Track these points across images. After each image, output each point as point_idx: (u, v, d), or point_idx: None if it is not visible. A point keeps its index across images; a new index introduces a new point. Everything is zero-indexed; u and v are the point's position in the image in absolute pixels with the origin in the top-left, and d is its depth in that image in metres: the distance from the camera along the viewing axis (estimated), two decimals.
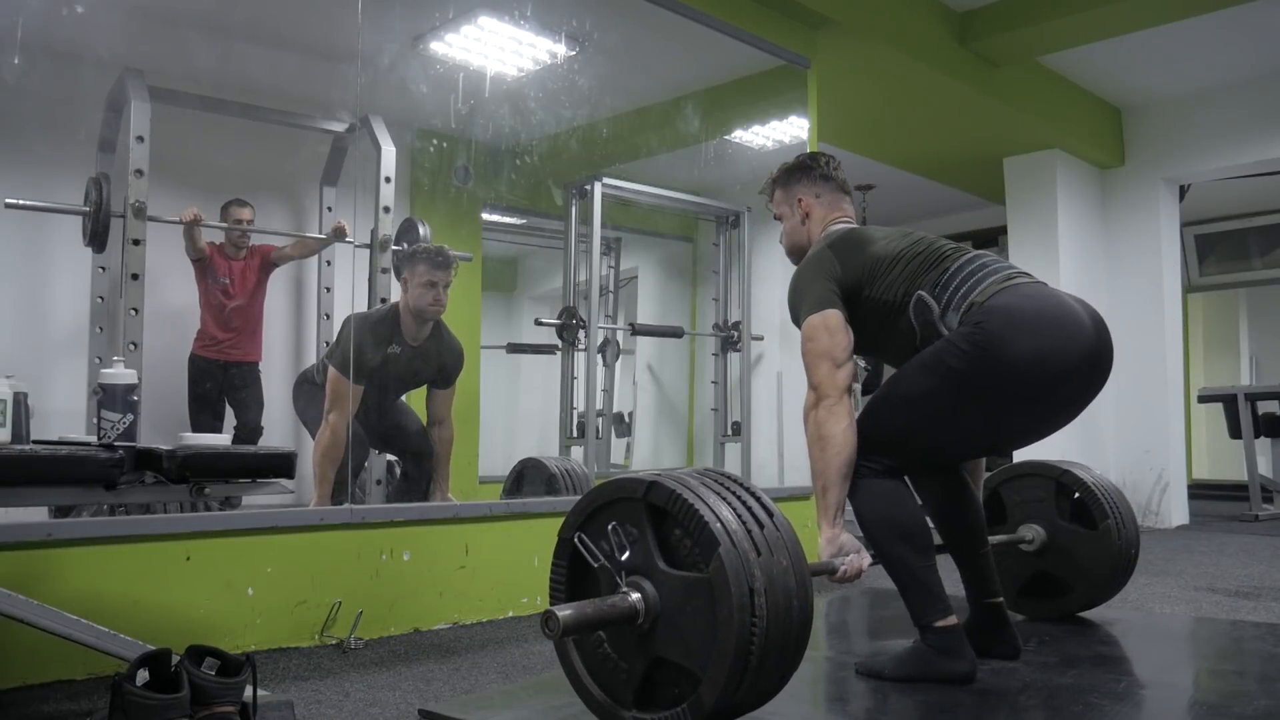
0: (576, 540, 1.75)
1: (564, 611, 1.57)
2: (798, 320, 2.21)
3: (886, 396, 2.15)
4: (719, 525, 1.57)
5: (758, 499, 1.67)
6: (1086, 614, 3.08)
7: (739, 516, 1.61)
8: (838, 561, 2.08)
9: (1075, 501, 2.77)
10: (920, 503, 2.27)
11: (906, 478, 2.21)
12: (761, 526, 1.62)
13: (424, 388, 3.68)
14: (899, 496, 2.11)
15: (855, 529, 2.16)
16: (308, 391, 3.71)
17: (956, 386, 2.02)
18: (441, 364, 3.59)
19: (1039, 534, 2.78)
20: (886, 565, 2.12)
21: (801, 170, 2.43)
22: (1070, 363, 2.00)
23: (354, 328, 3.41)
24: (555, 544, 1.81)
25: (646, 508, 1.66)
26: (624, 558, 1.68)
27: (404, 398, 3.72)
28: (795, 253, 2.43)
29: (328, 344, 4.05)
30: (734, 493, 1.66)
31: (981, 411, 2.05)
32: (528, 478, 4.00)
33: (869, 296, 2.17)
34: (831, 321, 2.14)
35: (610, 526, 1.70)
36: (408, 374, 3.57)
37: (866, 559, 2.08)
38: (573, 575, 1.79)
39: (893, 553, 2.10)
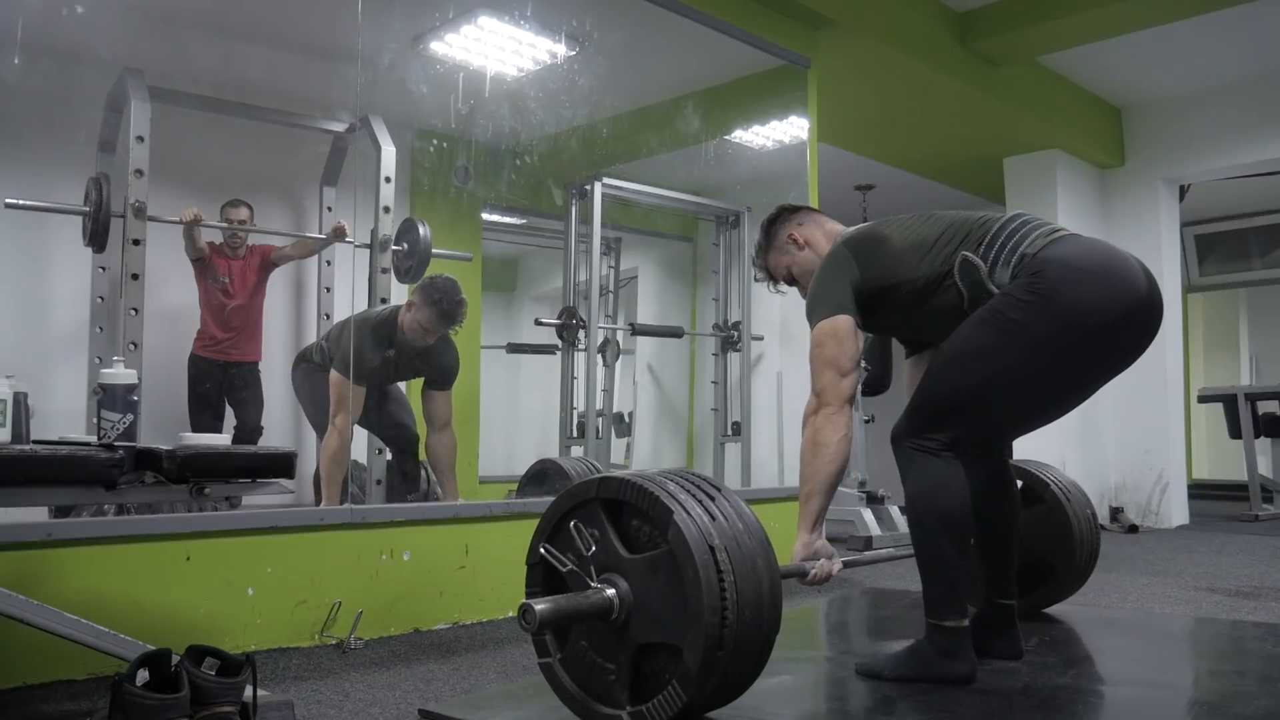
0: (543, 550, 1.80)
1: (540, 605, 1.61)
2: (812, 322, 2.20)
3: (944, 363, 2.08)
4: (669, 497, 1.62)
5: (703, 478, 1.73)
6: (1086, 614, 3.08)
7: (687, 489, 1.66)
8: (808, 565, 2.11)
9: (1022, 488, 2.78)
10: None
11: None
12: (712, 499, 1.67)
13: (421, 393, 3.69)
14: (952, 483, 2.05)
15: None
16: (304, 369, 3.76)
17: (1018, 338, 1.98)
18: (439, 364, 3.61)
19: None
20: (919, 550, 2.09)
21: (771, 224, 2.45)
22: (1127, 308, 1.98)
23: (354, 328, 3.41)
24: (525, 573, 1.85)
25: (602, 504, 1.72)
26: (590, 553, 1.72)
27: (403, 388, 3.72)
28: (807, 278, 2.39)
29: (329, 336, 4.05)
30: (681, 474, 1.72)
31: (1042, 363, 1.99)
32: (550, 477, 3.99)
33: (904, 283, 2.13)
34: (841, 328, 2.13)
35: (573, 529, 1.75)
36: (406, 372, 3.62)
37: (838, 564, 2.12)
38: (548, 585, 1.82)
39: (930, 540, 2.06)
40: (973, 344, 2.04)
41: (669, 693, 1.61)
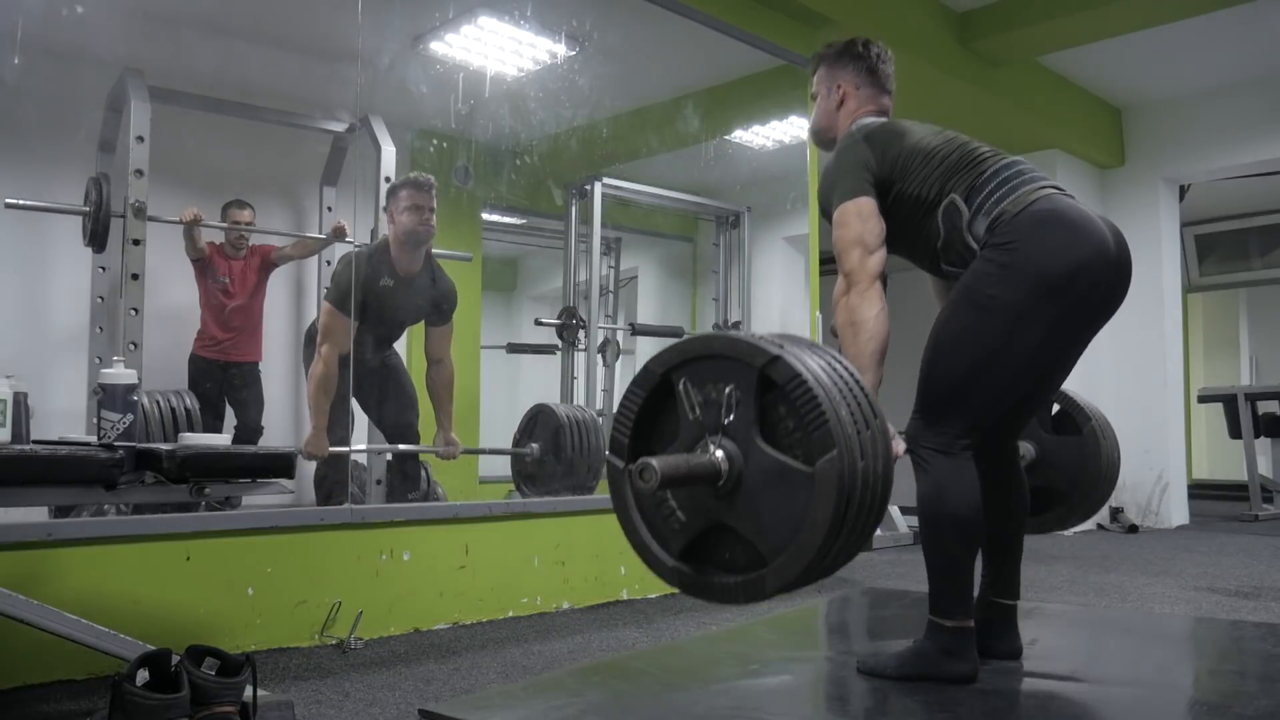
0: (681, 385, 1.69)
1: (662, 463, 1.55)
2: (829, 209, 2.18)
3: (934, 351, 2.10)
4: (838, 427, 1.53)
5: (869, 399, 1.63)
6: (1086, 614, 3.08)
7: (854, 418, 1.56)
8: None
9: (1057, 414, 2.77)
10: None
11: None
12: (868, 427, 1.58)
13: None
14: (964, 484, 2.05)
15: None
16: (312, 349, 3.74)
17: (1000, 313, 2.01)
18: (435, 297, 3.57)
19: (1029, 451, 2.79)
20: (928, 549, 2.08)
21: (850, 56, 2.40)
22: (1099, 268, 2.03)
23: (352, 261, 3.43)
24: (638, 372, 1.75)
25: (761, 379, 1.60)
26: (722, 415, 1.63)
27: (411, 390, 3.71)
28: (820, 136, 2.42)
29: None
30: (851, 390, 1.61)
31: (1027, 333, 2.02)
32: (539, 424, 4.00)
33: (901, 191, 2.15)
34: (864, 208, 2.13)
35: (715, 383, 1.65)
36: (402, 309, 3.53)
37: (901, 446, 2.05)
38: (645, 412, 1.74)
39: (941, 540, 2.06)
40: (958, 326, 2.06)
41: (726, 584, 1.60)
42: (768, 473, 1.60)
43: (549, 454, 3.91)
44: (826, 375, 1.60)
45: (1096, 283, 2.04)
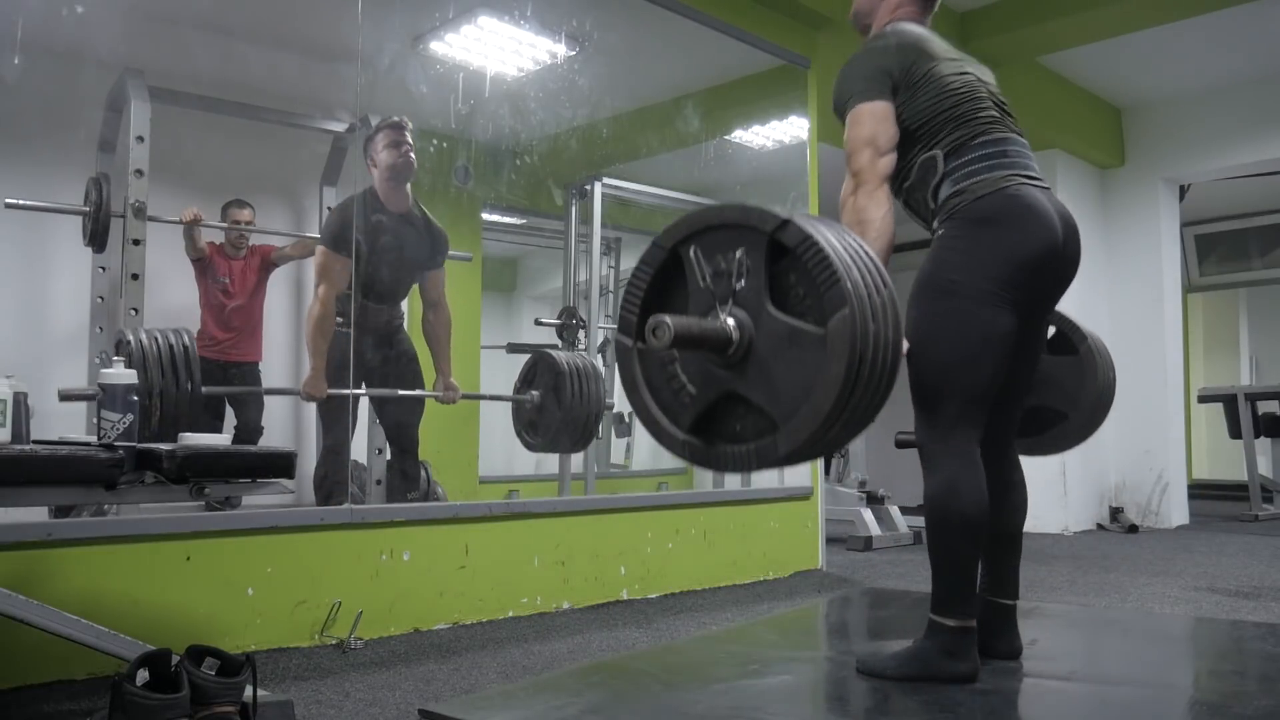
0: (690, 254, 1.67)
1: (675, 320, 1.53)
2: (843, 108, 2.18)
3: (913, 351, 2.11)
4: (849, 285, 1.52)
5: (877, 265, 1.62)
6: (1086, 614, 3.08)
7: (865, 281, 1.55)
8: None
9: (1054, 335, 2.77)
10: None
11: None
12: (879, 292, 1.57)
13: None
14: (972, 482, 2.06)
15: None
16: None
17: (963, 296, 2.05)
18: (426, 239, 3.60)
19: None
20: (934, 548, 2.09)
21: None
22: (1045, 259, 2.10)
23: (339, 208, 3.50)
24: (646, 249, 1.73)
25: (770, 244, 1.60)
26: (732, 282, 1.62)
27: (409, 377, 3.69)
28: (858, 19, 2.40)
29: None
30: (863, 257, 1.60)
31: (991, 309, 2.05)
32: (540, 372, 3.99)
33: (901, 110, 2.16)
34: (880, 111, 2.13)
35: (726, 250, 1.63)
36: (396, 246, 3.54)
37: (904, 345, 2.08)
38: (654, 287, 1.73)
39: (947, 539, 2.06)
40: (930, 314, 2.09)
41: (738, 452, 1.59)
42: (779, 338, 1.59)
43: (550, 401, 3.90)
44: (839, 241, 1.60)
45: (1041, 273, 2.11)
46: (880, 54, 2.20)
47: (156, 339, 2.67)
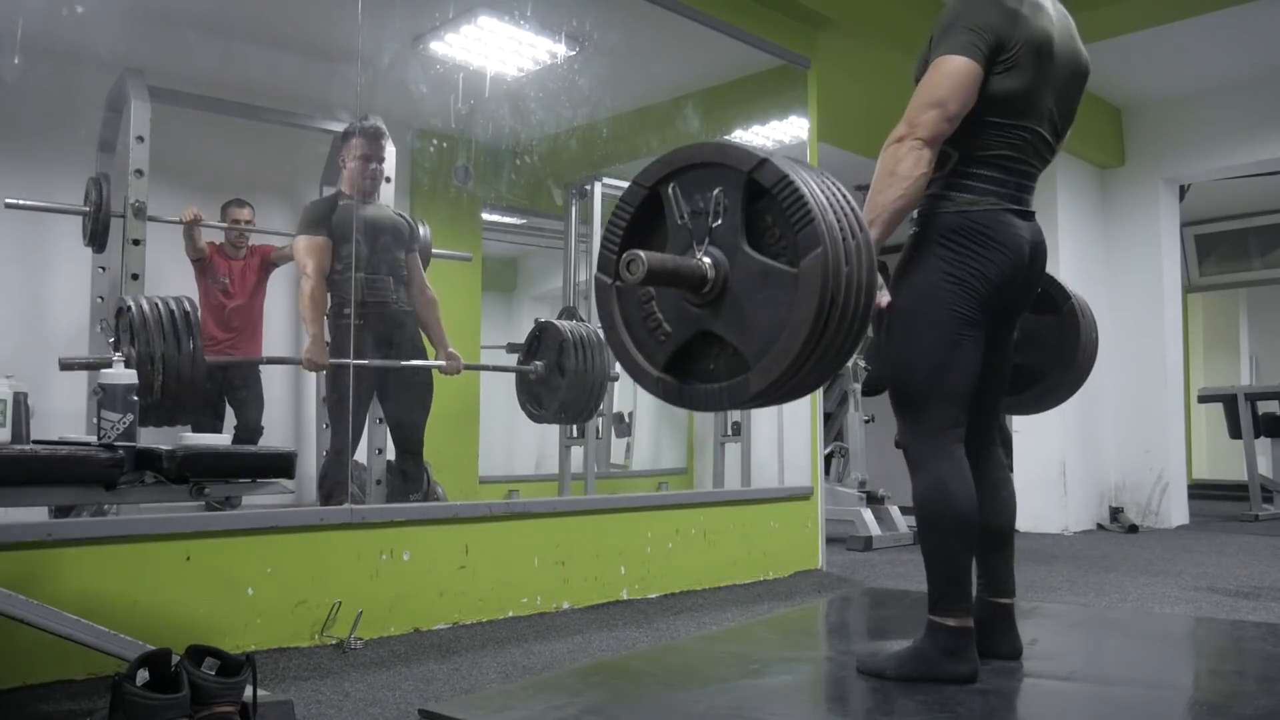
0: (669, 191, 1.67)
1: (650, 256, 1.55)
2: (935, 50, 2.06)
3: (895, 353, 2.13)
4: (823, 226, 1.53)
5: (857, 214, 1.62)
6: (1086, 614, 3.08)
7: (840, 224, 1.56)
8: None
9: (1039, 295, 2.77)
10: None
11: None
12: (854, 236, 1.58)
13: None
14: (959, 481, 2.07)
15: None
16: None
17: (941, 302, 2.07)
18: (394, 226, 3.62)
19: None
20: (926, 549, 2.10)
21: None
22: (1010, 274, 2.12)
23: (308, 208, 3.54)
24: (626, 189, 1.74)
25: (747, 183, 1.60)
26: (709, 220, 1.62)
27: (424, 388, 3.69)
28: None
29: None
30: (840, 201, 1.60)
31: (963, 311, 2.07)
32: (544, 342, 3.99)
33: (986, 89, 2.05)
34: (967, 72, 2.00)
35: (703, 189, 1.64)
36: (367, 225, 3.53)
37: (885, 296, 2.09)
38: (634, 227, 1.73)
39: (938, 538, 2.07)
40: (909, 321, 2.11)
41: (710, 390, 1.61)
42: (753, 276, 1.60)
43: (553, 371, 3.90)
44: (816, 184, 1.60)
45: (1010, 284, 2.14)
46: (998, 8, 2.05)
47: (158, 305, 2.67)
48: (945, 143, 2.09)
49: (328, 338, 3.45)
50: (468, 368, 3.92)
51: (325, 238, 3.42)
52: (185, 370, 2.66)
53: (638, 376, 1.77)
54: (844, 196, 1.64)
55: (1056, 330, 2.74)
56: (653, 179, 1.71)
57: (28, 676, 2.17)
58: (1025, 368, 2.73)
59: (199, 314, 2.75)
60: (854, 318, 1.59)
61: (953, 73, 2.02)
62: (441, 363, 3.67)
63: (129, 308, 2.69)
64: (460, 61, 4.24)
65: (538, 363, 3.94)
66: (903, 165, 2.00)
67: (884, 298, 2.10)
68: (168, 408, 2.71)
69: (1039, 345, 2.75)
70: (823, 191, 1.60)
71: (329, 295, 3.47)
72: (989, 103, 2.07)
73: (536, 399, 3.98)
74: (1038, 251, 2.21)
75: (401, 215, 3.68)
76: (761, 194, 1.60)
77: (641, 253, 1.56)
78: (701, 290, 1.63)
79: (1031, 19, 2.08)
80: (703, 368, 1.66)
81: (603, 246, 1.79)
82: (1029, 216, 2.19)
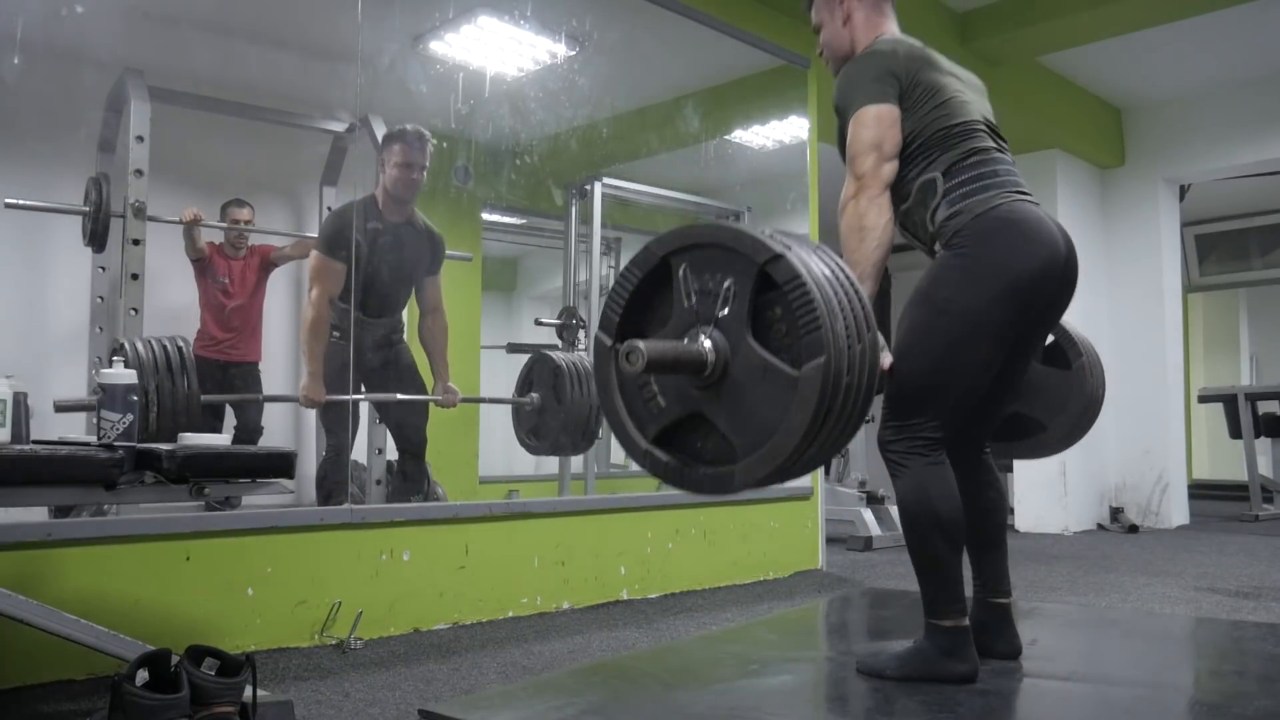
0: (680, 271, 1.67)
1: (649, 347, 1.55)
2: (847, 109, 2.16)
3: (899, 355, 2.12)
4: (830, 335, 1.52)
5: (866, 313, 1.62)
6: (1086, 614, 3.08)
7: (847, 330, 1.56)
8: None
9: (1050, 345, 2.77)
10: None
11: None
12: (860, 341, 1.58)
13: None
14: (941, 484, 2.08)
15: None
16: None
17: (957, 316, 2.06)
18: (426, 246, 3.58)
19: None
20: (914, 553, 2.10)
21: None
22: (1045, 276, 2.10)
23: (337, 212, 3.48)
24: (639, 251, 1.73)
25: (759, 274, 1.59)
26: (720, 315, 1.62)
27: (413, 381, 3.68)
28: (837, 59, 2.37)
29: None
30: (850, 301, 1.59)
31: (983, 333, 2.07)
32: (538, 373, 3.97)
33: (904, 120, 2.14)
34: (886, 115, 2.12)
35: (713, 272, 1.63)
36: (392, 253, 3.52)
37: (888, 359, 2.08)
38: (639, 294, 1.73)
39: (925, 542, 2.07)
40: (920, 328, 2.10)
41: (696, 474, 1.61)
42: (753, 370, 1.59)
43: (550, 402, 3.89)
44: (828, 282, 1.59)
45: (1043, 289, 2.11)
46: (889, 58, 2.19)
47: (153, 345, 2.68)
48: (922, 172, 2.14)
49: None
50: (465, 400, 3.92)
51: (341, 264, 3.36)
52: (181, 408, 2.68)
53: (626, 445, 1.76)
54: (856, 295, 1.63)
55: (1062, 385, 2.72)
56: (666, 249, 1.71)
57: (28, 676, 2.17)
58: (1026, 417, 2.73)
59: (192, 352, 2.76)
60: (848, 423, 1.60)
61: (873, 116, 2.13)
62: (438, 397, 3.64)
63: (123, 346, 2.70)
64: (460, 61, 4.24)
65: (534, 395, 3.95)
66: (868, 218, 2.08)
67: (886, 359, 2.08)
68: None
69: (1043, 397, 2.74)
70: (834, 291, 1.59)
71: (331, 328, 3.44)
72: (933, 108, 2.15)
73: (534, 432, 3.98)
74: (1070, 248, 2.17)
75: (433, 230, 3.62)
76: (773, 285, 1.59)
77: (641, 343, 1.55)
78: (701, 374, 1.63)
79: (912, 50, 2.21)
80: (693, 445, 1.66)
81: (607, 304, 1.78)
82: (1038, 205, 2.19)
